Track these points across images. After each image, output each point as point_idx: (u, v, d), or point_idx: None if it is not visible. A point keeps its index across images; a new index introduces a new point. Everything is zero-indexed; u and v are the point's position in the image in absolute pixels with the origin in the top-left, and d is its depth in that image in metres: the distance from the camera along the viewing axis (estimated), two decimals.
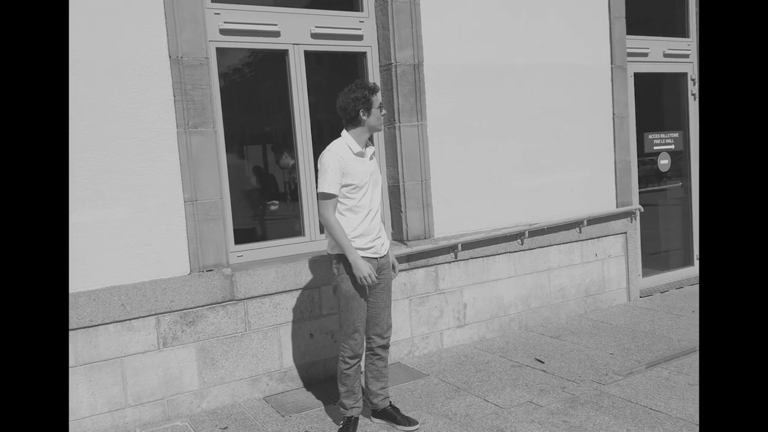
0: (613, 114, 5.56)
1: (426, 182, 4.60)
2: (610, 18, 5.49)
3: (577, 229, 5.39)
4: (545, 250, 5.25)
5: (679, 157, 6.44)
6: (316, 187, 3.28)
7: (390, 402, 3.54)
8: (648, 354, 4.35)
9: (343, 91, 3.28)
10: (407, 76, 4.48)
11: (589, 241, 5.51)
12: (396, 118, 4.48)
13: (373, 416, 3.55)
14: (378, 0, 4.48)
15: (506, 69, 4.97)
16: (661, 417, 3.35)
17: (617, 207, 5.64)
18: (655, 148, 6.20)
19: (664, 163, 6.28)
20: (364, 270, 3.17)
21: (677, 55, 6.21)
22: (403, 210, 4.55)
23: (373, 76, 4.55)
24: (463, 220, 4.84)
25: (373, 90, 3.25)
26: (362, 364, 3.83)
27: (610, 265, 5.68)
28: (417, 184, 4.56)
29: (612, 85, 5.54)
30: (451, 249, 4.75)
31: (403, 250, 4.45)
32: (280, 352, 4.08)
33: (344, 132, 3.30)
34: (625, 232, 5.73)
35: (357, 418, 3.41)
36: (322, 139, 4.43)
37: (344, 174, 3.19)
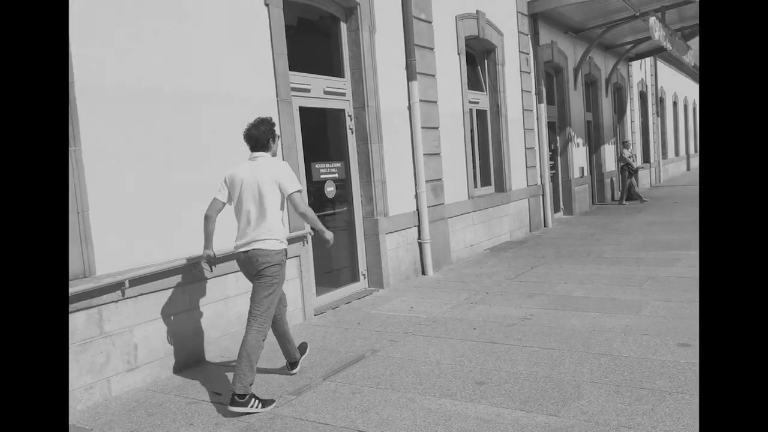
0: (282, 144, 5.86)
1: (83, 213, 4.16)
2: (273, 54, 5.80)
3: None
4: (222, 278, 5.23)
5: (343, 184, 7.13)
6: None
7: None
8: (320, 369, 4.64)
9: (252, 123, 4.21)
10: None
11: None
12: None
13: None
14: None
15: (176, 95, 4.84)
16: (328, 429, 3.59)
17: (290, 232, 5.94)
18: (322, 176, 6.74)
19: (330, 190, 6.87)
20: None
21: (335, 93, 6.89)
22: None
23: None
24: (134, 253, 4.51)
25: (275, 124, 4.31)
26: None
27: (287, 287, 5.92)
28: (73, 215, 4.10)
29: (279, 117, 5.84)
30: (118, 286, 4.38)
31: None
32: None
33: (262, 154, 4.20)
34: (299, 255, 6.07)
35: None
36: None
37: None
